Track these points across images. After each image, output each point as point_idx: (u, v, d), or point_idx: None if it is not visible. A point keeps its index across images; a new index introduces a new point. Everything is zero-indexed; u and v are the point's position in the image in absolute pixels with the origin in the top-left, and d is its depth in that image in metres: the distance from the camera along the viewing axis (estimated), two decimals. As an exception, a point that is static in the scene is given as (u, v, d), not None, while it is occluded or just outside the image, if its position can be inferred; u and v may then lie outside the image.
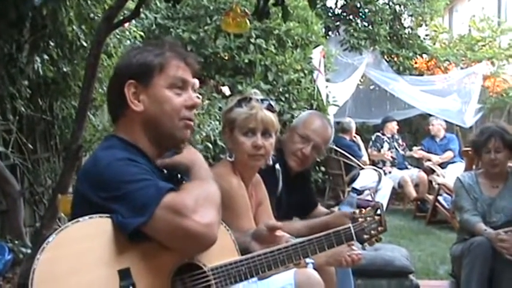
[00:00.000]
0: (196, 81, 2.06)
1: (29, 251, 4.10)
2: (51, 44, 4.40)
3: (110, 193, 1.70)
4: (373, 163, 9.15)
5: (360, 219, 2.27)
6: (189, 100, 1.93)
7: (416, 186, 8.77)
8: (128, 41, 5.29)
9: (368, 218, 2.27)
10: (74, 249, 1.63)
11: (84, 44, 4.46)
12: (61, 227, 1.66)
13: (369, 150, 9.37)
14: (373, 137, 9.58)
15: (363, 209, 2.33)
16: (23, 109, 4.25)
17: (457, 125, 10.45)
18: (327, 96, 8.71)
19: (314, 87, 8.30)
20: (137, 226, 1.65)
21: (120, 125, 1.95)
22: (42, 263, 1.57)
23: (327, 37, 10.66)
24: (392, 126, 9.57)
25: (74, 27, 4.36)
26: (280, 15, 6.33)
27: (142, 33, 5.65)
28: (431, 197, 8.06)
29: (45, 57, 4.32)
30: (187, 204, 1.67)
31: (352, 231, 2.19)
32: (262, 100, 2.68)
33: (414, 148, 9.68)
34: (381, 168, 8.83)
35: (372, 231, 2.27)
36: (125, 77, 1.91)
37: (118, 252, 1.67)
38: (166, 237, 1.68)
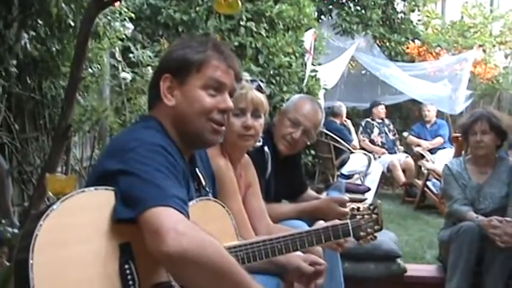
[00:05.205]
0: (236, 86, 1.99)
1: (16, 230, 4.08)
2: (40, 22, 4.35)
3: (123, 167, 1.67)
4: (363, 148, 9.17)
5: (358, 217, 2.30)
6: (222, 103, 1.90)
7: (403, 171, 8.80)
8: (118, 22, 5.23)
9: (366, 216, 2.31)
10: (78, 219, 1.61)
11: (72, 23, 4.41)
12: (66, 196, 1.64)
13: (360, 136, 9.39)
14: (363, 123, 9.59)
15: (361, 207, 2.35)
16: (11, 87, 4.21)
17: (447, 111, 10.47)
18: (313, 77, 8.59)
19: (305, 72, 8.26)
20: (124, 219, 1.62)
21: (154, 114, 1.96)
22: (45, 229, 1.54)
23: (319, 20, 10.59)
24: (378, 111, 9.58)
25: (63, 5, 4.31)
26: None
27: (133, 15, 5.58)
28: (420, 182, 8.10)
29: (33, 34, 4.27)
30: (174, 224, 1.55)
31: (350, 227, 2.23)
32: (251, 81, 2.69)
33: (404, 134, 9.72)
34: (371, 152, 8.85)
35: (369, 230, 2.31)
36: (163, 69, 1.93)
37: (120, 226, 1.64)
38: (144, 235, 1.60)
